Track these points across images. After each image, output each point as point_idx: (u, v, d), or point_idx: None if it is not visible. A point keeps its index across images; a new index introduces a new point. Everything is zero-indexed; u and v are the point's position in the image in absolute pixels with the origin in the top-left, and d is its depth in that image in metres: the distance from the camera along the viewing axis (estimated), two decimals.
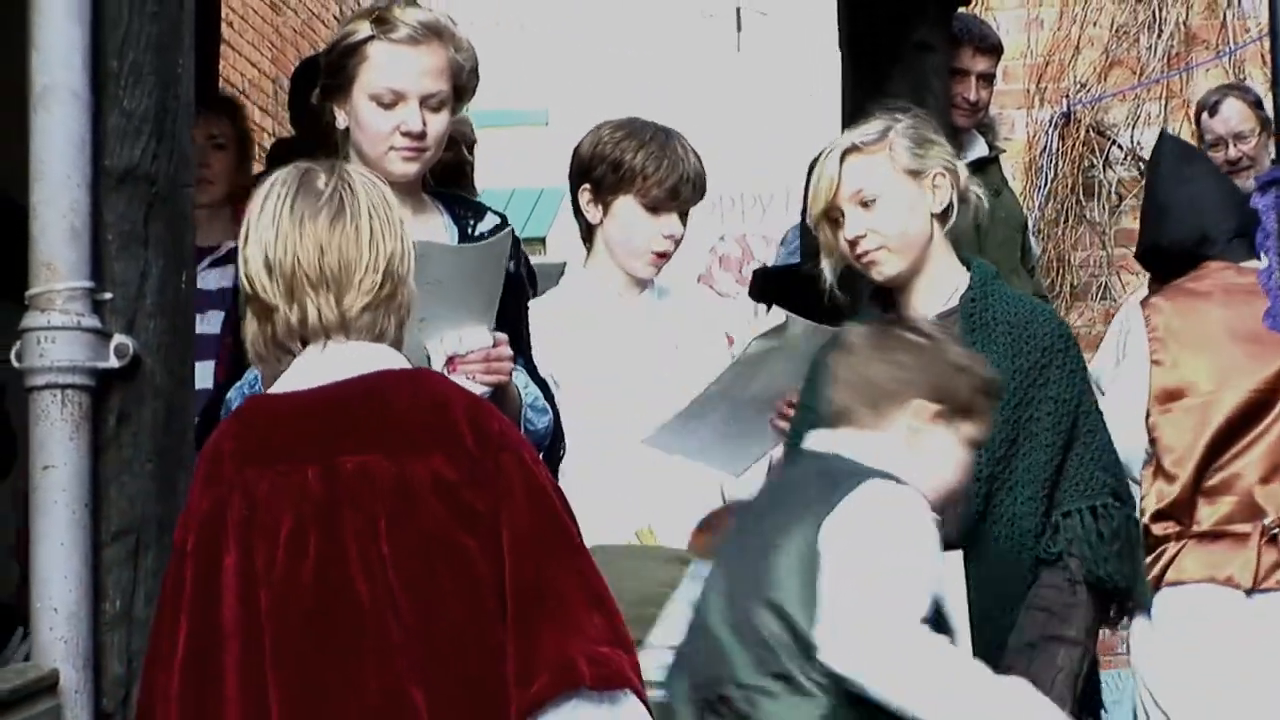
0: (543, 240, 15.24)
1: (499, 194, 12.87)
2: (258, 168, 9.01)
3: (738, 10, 13.35)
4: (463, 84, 4.07)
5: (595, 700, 2.89)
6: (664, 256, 4.58)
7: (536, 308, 4.50)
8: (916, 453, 3.48)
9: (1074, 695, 3.82)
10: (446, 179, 4.25)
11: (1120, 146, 10.02)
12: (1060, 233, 9.85)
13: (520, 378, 4.02)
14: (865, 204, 3.98)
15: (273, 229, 3.00)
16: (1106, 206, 9.97)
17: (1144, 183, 7.08)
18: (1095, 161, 10.02)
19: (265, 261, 3.00)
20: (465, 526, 2.91)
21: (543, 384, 4.15)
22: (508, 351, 3.88)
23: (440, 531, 2.91)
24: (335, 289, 2.99)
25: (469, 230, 4.14)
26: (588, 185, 4.61)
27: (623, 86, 12.09)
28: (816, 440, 3.57)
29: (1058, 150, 9.94)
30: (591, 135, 4.66)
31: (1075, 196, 9.97)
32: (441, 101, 4.02)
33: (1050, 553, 3.86)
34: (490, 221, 4.15)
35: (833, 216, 4.01)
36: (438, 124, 4.02)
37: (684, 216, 4.60)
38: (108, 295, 3.46)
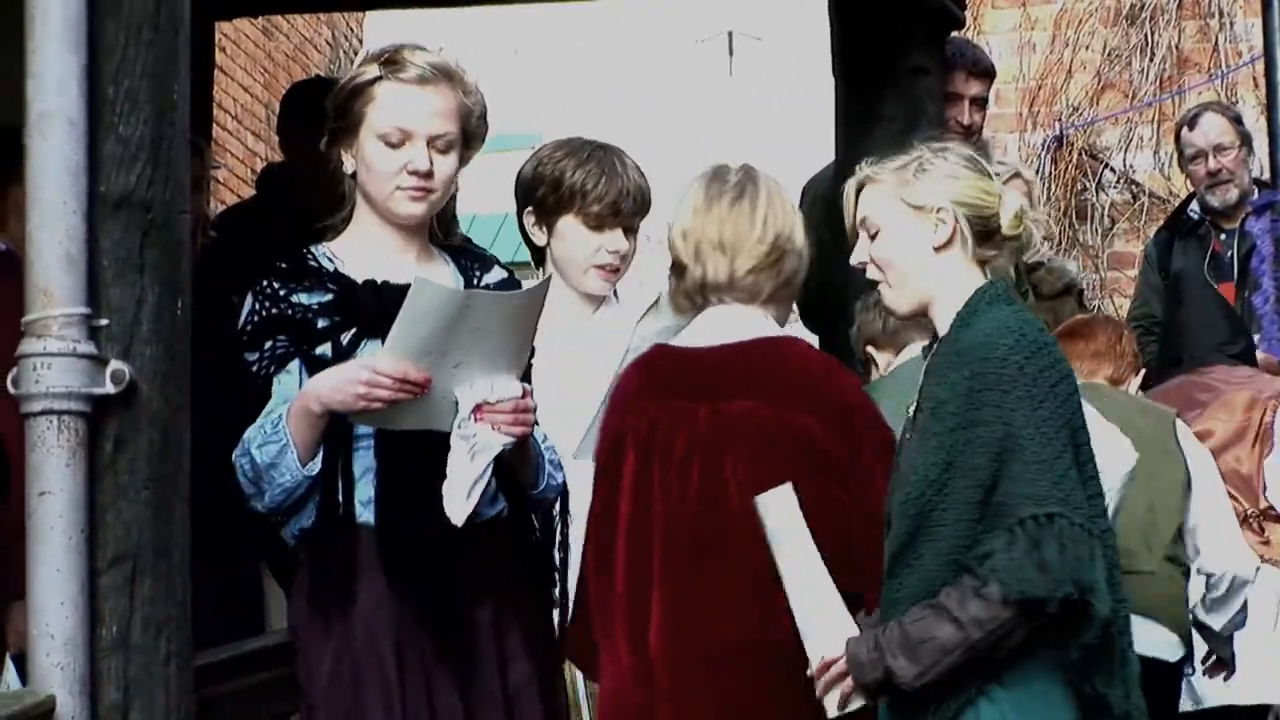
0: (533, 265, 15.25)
1: (492, 219, 12.85)
2: (248, 191, 8.99)
3: (730, 35, 13.37)
4: (472, 129, 4.04)
5: None
6: (613, 271, 4.58)
7: None
8: None
9: (930, 666, 3.60)
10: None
11: (1113, 170, 10.03)
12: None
13: (539, 432, 4.00)
14: (871, 234, 3.91)
15: (690, 206, 3.92)
16: (1099, 230, 9.98)
17: None
18: (1088, 185, 10.03)
19: (682, 231, 3.91)
20: (827, 471, 3.69)
21: None
22: (533, 404, 3.88)
23: (807, 469, 3.67)
24: (730, 254, 3.86)
25: (474, 281, 4.09)
26: (531, 208, 4.60)
27: (615, 111, 12.09)
28: None
29: (1050, 174, 9.95)
30: (532, 158, 4.64)
31: (1068, 220, 9.99)
32: (450, 143, 4.00)
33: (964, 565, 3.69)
34: (498, 274, 4.13)
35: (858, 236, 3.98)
36: (445, 166, 4.00)
37: (630, 232, 4.58)
38: (104, 321, 3.45)
